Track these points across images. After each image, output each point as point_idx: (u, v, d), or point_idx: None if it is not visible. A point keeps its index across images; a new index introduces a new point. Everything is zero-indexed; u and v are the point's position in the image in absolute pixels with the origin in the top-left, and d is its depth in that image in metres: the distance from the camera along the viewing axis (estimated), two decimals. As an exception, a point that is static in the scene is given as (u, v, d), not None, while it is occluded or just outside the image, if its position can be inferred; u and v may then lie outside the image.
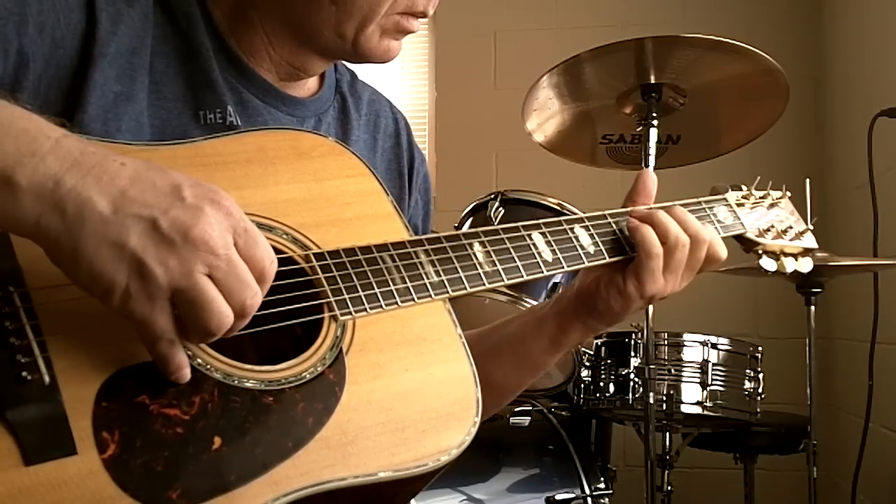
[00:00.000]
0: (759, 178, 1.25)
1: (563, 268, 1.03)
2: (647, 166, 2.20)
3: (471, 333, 1.20)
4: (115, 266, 0.68)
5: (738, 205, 1.21)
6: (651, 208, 1.09)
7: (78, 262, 0.68)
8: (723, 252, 1.10)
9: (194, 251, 0.70)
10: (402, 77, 4.15)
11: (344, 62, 1.23)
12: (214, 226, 0.71)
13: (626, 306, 1.07)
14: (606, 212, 1.10)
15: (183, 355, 0.74)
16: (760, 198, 1.25)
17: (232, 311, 0.72)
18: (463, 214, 2.42)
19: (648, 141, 2.20)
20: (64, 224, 0.68)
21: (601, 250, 1.06)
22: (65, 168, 0.69)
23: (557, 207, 2.28)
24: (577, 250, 1.05)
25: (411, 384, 0.86)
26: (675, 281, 1.06)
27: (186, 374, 0.74)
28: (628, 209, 1.10)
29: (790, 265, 1.23)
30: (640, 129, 2.23)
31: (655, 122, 2.19)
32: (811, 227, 1.26)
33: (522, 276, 1.00)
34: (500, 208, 2.30)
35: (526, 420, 2.19)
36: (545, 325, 1.13)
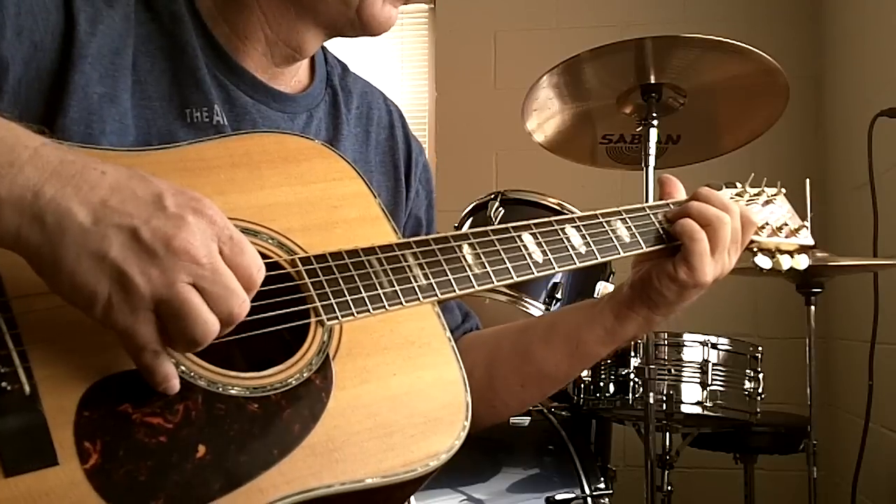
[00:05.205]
0: (752, 174, 1.24)
1: (553, 269, 1.02)
2: (647, 166, 2.19)
3: (517, 324, 1.20)
4: (97, 277, 0.68)
5: None
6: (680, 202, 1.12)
7: (59, 273, 0.68)
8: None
9: (176, 261, 0.69)
10: (402, 77, 4.15)
11: (335, 57, 1.22)
12: (197, 235, 0.70)
13: (681, 294, 1.08)
14: (598, 212, 1.09)
15: (169, 366, 0.73)
16: (755, 195, 1.23)
17: (218, 319, 0.71)
18: (463, 214, 2.42)
19: (648, 141, 2.19)
20: (44, 235, 0.67)
21: (592, 251, 1.05)
22: (44, 178, 0.68)
23: (557, 207, 2.27)
24: (568, 251, 1.04)
25: (399, 388, 0.86)
26: (723, 261, 1.08)
27: (175, 384, 0.74)
28: (623, 208, 1.10)
29: (786, 262, 1.21)
30: (640, 129, 2.22)
31: (655, 122, 2.19)
32: (807, 223, 1.25)
33: (512, 278, 0.99)
34: (500, 208, 2.30)
35: (526, 420, 2.17)
36: (601, 316, 1.13)
